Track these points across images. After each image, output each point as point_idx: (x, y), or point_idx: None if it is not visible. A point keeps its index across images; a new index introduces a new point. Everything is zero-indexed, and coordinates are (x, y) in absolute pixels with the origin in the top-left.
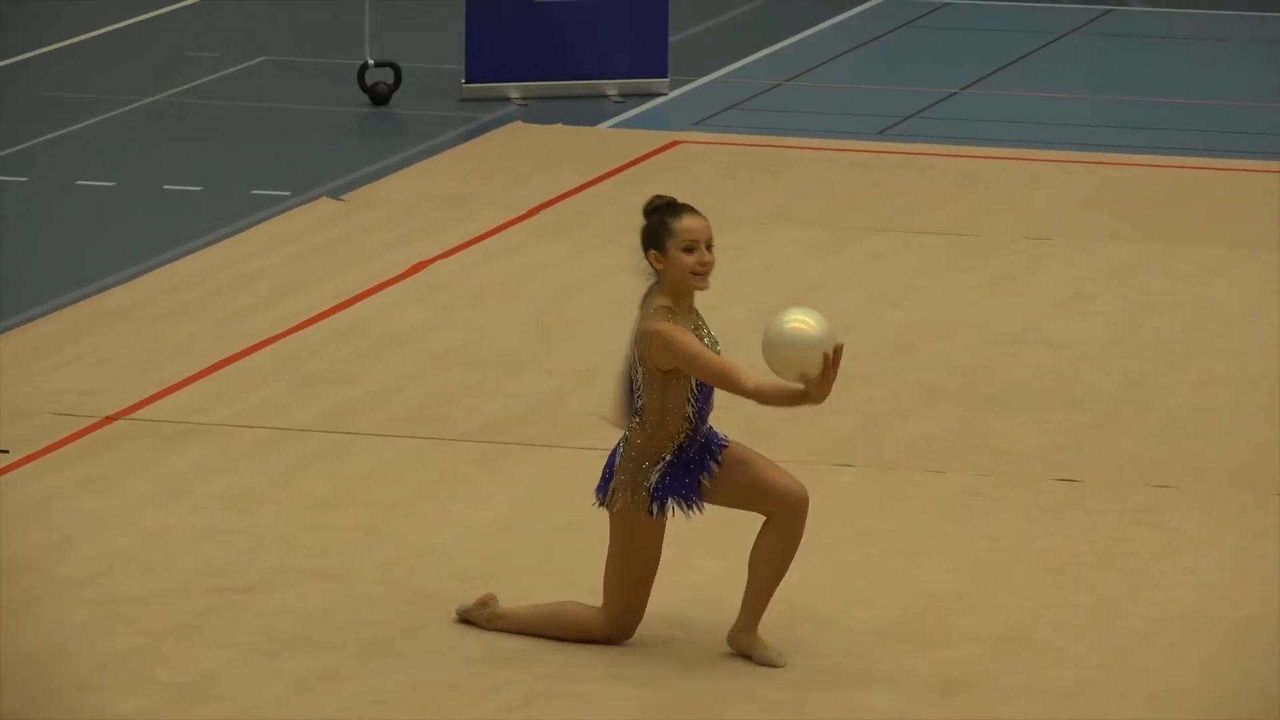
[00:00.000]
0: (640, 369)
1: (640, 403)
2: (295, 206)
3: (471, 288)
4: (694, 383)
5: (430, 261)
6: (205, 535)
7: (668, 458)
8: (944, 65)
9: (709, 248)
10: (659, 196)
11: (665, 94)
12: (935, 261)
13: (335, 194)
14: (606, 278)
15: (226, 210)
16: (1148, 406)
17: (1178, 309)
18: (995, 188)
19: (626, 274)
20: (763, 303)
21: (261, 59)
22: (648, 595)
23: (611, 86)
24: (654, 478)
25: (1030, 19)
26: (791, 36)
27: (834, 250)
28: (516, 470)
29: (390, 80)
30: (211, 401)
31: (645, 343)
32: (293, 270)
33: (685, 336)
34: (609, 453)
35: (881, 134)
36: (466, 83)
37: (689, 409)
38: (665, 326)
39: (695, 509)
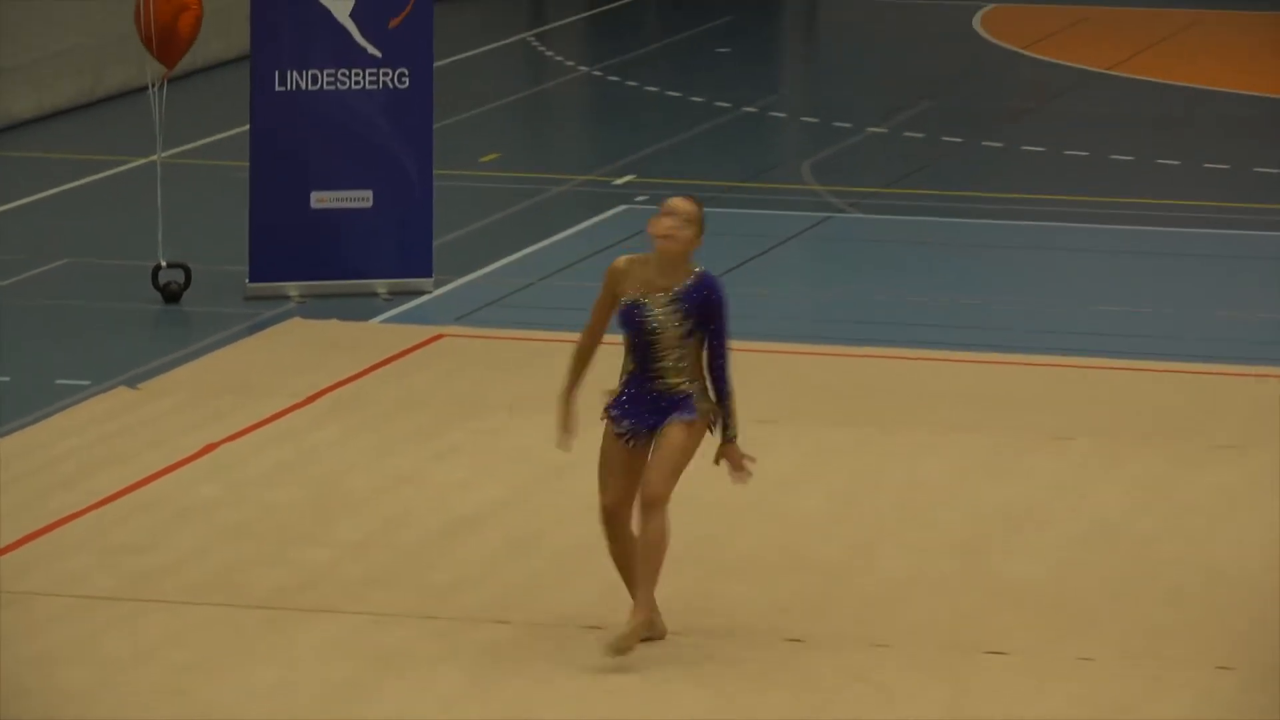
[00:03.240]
0: None
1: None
2: (95, 395)
3: (257, 467)
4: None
5: (219, 444)
6: (10, 697)
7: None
8: None
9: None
10: None
11: (430, 292)
12: None
13: (132, 383)
14: (377, 457)
15: (32, 398)
16: (866, 572)
17: (891, 486)
18: None
19: (394, 457)
20: (518, 483)
21: (64, 261)
22: (611, 492)
23: (381, 286)
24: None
25: (755, 224)
26: (543, 240)
27: (582, 432)
28: (298, 634)
29: (181, 280)
30: (20, 571)
31: None
32: (94, 452)
33: (607, 282)
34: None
35: None
36: (250, 282)
37: (631, 351)
38: (615, 263)
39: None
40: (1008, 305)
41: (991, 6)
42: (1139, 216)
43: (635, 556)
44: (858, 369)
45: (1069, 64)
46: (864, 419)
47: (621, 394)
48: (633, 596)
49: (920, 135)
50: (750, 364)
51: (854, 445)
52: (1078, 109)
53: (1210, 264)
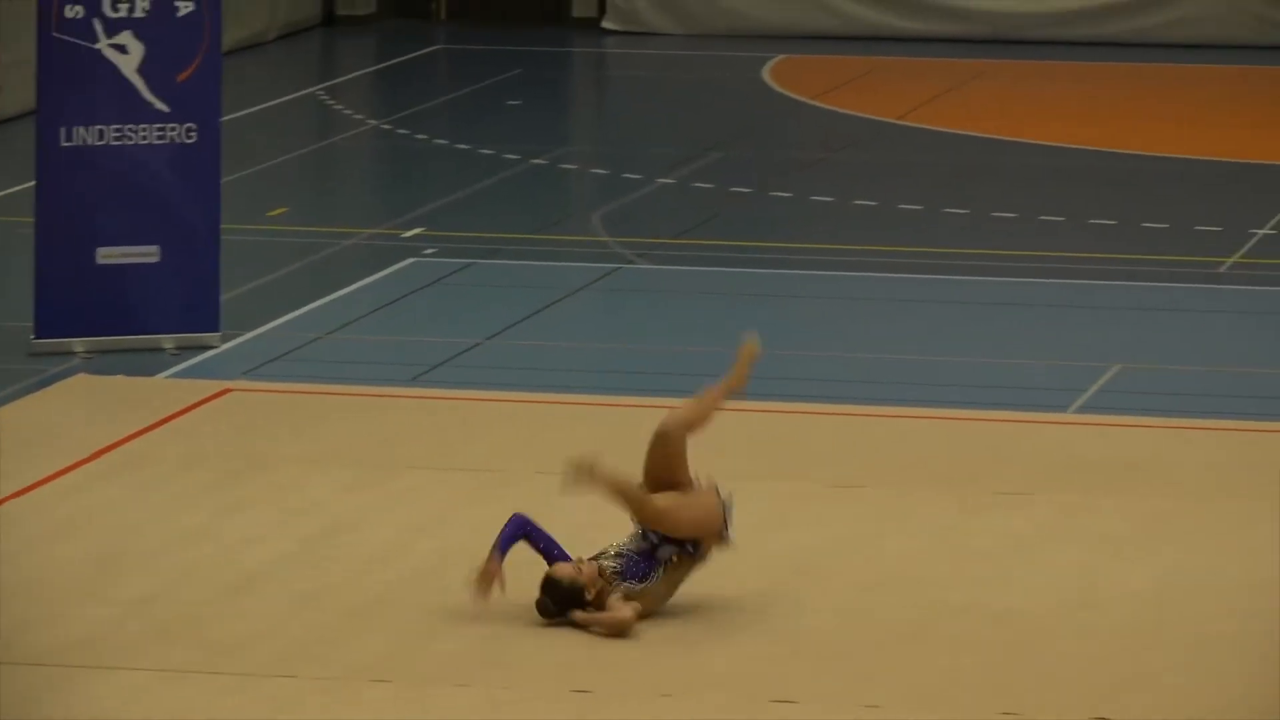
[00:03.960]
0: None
1: None
2: None
3: (41, 525)
4: None
5: (2, 501)
6: None
7: None
8: (470, 318)
9: None
10: None
11: (217, 347)
12: (463, 496)
13: None
14: (164, 513)
15: None
16: (654, 623)
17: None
18: (516, 428)
19: (181, 512)
20: (305, 535)
21: None
22: None
23: (169, 341)
24: None
25: (546, 276)
26: (331, 294)
27: (371, 486)
28: (79, 692)
29: None
30: None
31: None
32: None
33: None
34: None
35: (414, 380)
36: (35, 338)
37: None
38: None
39: None
40: (794, 354)
41: (781, 57)
42: (926, 265)
43: None
44: (643, 420)
45: (858, 114)
46: None
47: None
48: None
49: (710, 186)
50: (540, 415)
51: None
52: (866, 158)
53: (994, 311)
